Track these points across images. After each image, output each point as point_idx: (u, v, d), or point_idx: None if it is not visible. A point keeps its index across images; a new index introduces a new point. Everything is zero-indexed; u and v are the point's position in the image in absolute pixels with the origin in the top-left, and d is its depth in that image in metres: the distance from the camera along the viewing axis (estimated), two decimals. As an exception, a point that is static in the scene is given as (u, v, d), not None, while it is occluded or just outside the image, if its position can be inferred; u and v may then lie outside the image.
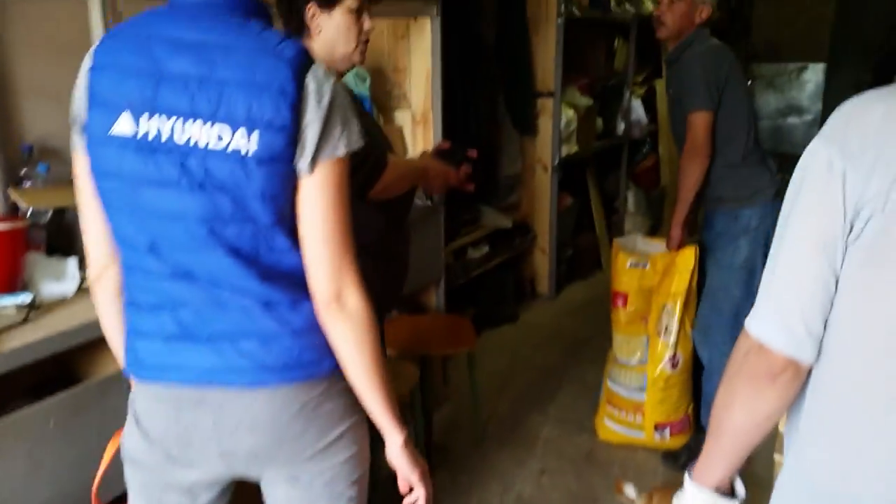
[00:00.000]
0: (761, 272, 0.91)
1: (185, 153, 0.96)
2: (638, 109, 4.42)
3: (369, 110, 2.58)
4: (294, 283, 1.03)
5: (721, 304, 2.45)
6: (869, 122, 0.79)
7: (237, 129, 0.95)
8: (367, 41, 1.61)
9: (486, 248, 3.61)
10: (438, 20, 2.58)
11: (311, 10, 1.54)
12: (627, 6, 4.06)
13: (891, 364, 0.81)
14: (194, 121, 0.95)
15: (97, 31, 1.75)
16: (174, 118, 0.95)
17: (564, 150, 3.86)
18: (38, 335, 1.43)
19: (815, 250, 0.82)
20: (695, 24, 2.53)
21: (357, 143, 1.03)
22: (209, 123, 0.95)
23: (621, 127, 4.35)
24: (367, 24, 1.59)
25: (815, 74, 7.65)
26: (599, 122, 4.23)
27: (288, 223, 1.01)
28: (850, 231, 0.80)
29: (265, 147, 0.95)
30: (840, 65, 7.28)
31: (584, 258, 4.43)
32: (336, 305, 1.02)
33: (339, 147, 1.00)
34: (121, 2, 1.77)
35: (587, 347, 3.47)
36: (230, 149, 0.95)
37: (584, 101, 4.00)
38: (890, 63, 6.46)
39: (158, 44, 0.96)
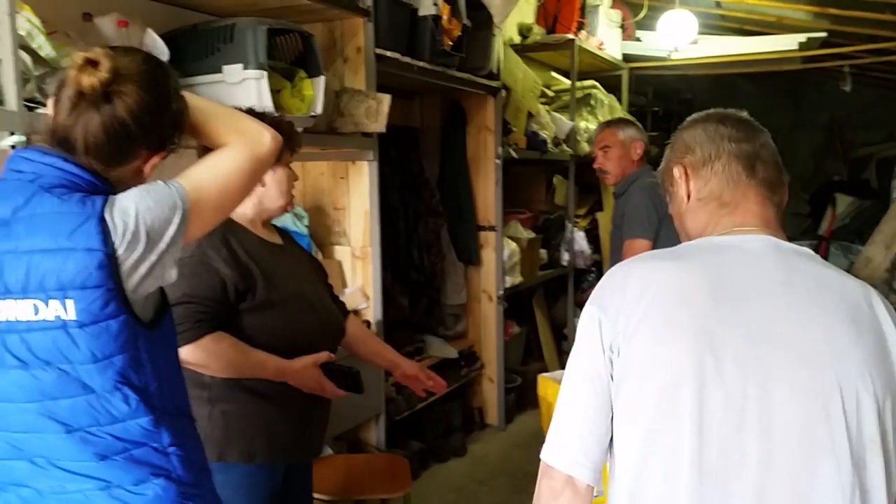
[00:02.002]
0: None
1: (4, 331, 0.95)
2: (581, 241, 4.56)
3: (307, 247, 2.64)
4: (137, 460, 1.01)
5: None
6: (614, 282, 1.04)
7: (50, 298, 0.94)
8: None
9: (431, 380, 3.58)
10: (375, 164, 2.70)
11: None
12: (565, 147, 4.29)
13: (645, 482, 0.96)
14: (7, 298, 0.94)
15: None
16: None
17: (509, 281, 3.95)
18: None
19: (584, 382, 1.01)
20: (634, 161, 2.70)
21: (180, 185, 1.05)
22: (21, 298, 0.94)
23: (565, 257, 4.48)
24: (294, 175, 1.71)
25: (755, 204, 8.03)
26: (543, 253, 4.36)
27: (132, 383, 0.99)
28: (612, 368, 0.99)
29: (83, 311, 0.94)
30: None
31: (533, 387, 4.41)
32: None
33: (178, 210, 1.02)
34: None
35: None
36: (49, 319, 0.94)
37: (527, 233, 4.14)
38: (822, 196, 6.87)
39: None
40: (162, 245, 1.00)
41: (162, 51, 1.92)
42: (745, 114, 1.15)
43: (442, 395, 3.63)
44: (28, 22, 1.52)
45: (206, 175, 1.08)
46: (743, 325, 0.94)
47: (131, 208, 0.98)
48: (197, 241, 1.53)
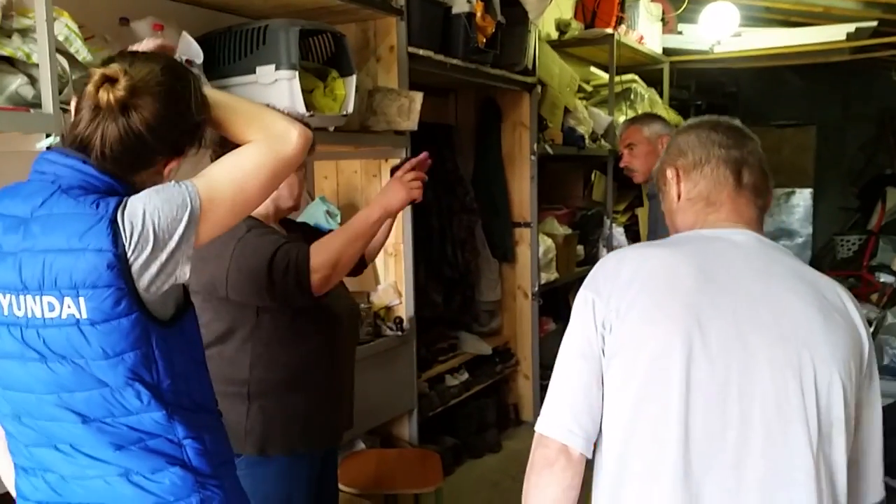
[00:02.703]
0: None
1: (23, 326, 0.98)
2: (620, 237, 4.51)
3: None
4: (152, 450, 1.04)
5: None
6: (608, 268, 1.12)
7: (64, 296, 0.97)
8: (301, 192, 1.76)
9: (465, 376, 3.59)
10: (408, 161, 2.71)
11: None
12: (603, 142, 4.24)
13: (634, 445, 1.03)
14: (26, 294, 0.98)
15: None
16: (9, 293, 0.99)
17: (544, 277, 3.93)
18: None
19: (576, 358, 1.08)
20: None
21: (193, 185, 1.06)
22: (38, 295, 0.97)
23: (603, 253, 4.43)
24: (303, 177, 1.75)
25: (802, 199, 7.84)
26: (580, 249, 4.32)
27: (143, 379, 1.02)
28: (605, 344, 1.06)
29: (94, 309, 0.97)
30: (825, 190, 7.49)
31: (570, 384, 4.39)
32: None
33: (187, 208, 1.03)
34: None
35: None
36: (63, 316, 0.97)
37: (563, 230, 4.11)
38: (872, 190, 6.65)
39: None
40: (171, 244, 1.02)
41: (196, 53, 1.96)
42: (737, 121, 1.24)
43: (476, 392, 3.64)
44: (66, 27, 1.57)
45: (222, 174, 1.09)
46: (727, 306, 1.03)
47: (139, 209, 1.00)
48: (245, 228, 1.57)
